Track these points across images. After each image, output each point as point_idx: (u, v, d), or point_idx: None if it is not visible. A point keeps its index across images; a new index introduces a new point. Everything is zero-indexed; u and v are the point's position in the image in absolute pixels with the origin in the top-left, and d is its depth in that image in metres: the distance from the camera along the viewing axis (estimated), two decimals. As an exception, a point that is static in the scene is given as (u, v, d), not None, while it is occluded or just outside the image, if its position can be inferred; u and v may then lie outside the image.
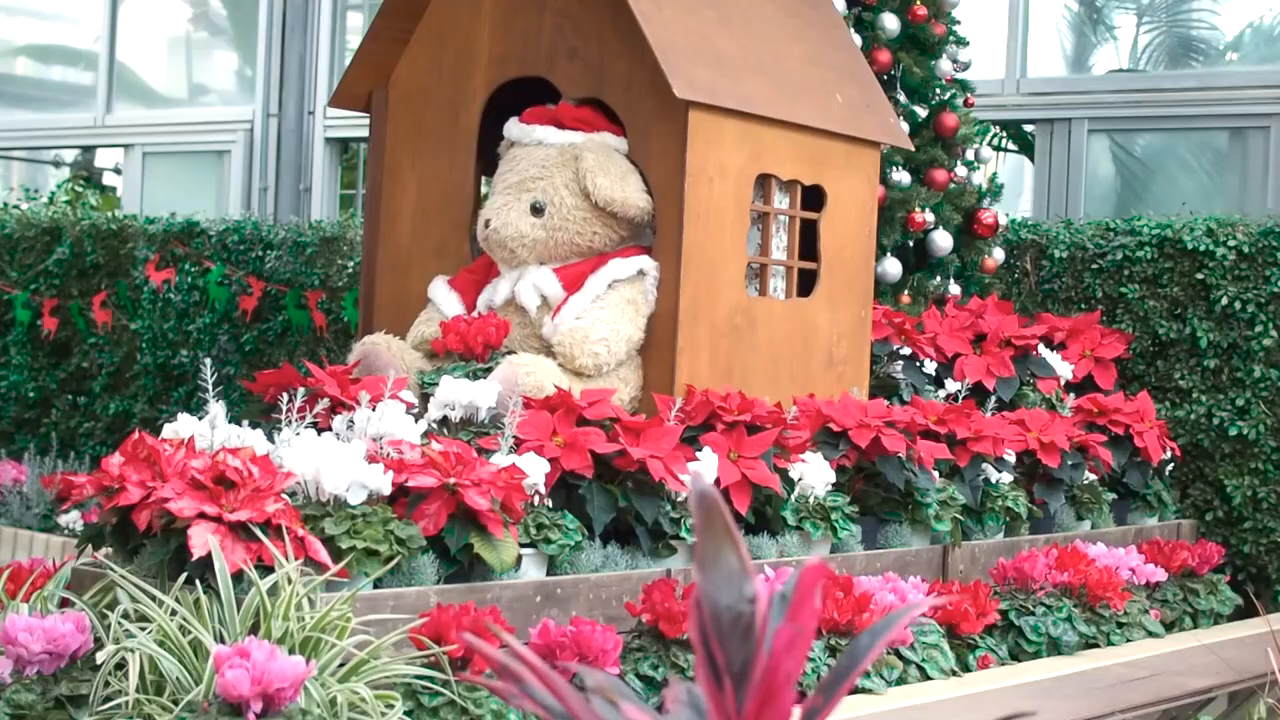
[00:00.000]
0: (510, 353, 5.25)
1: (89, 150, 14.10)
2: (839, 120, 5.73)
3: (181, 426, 4.51)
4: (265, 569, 3.90)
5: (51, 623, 3.83)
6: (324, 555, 3.97)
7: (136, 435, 4.31)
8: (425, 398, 5.06)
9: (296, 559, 3.90)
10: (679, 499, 4.88)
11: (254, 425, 4.76)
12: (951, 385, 6.41)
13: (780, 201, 5.61)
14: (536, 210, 5.29)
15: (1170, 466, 7.05)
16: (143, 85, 12.04)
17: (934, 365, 6.45)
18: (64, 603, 4.14)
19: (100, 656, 3.63)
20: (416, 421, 4.75)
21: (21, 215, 10.61)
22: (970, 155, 7.01)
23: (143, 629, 3.75)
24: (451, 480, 4.23)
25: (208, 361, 4.44)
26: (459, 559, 4.28)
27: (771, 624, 1.92)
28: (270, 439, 4.62)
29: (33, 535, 9.33)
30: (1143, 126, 8.25)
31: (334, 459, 4.13)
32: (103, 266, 10.23)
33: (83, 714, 3.75)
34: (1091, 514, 6.56)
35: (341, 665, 3.80)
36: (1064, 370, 6.88)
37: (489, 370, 5.13)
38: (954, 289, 6.88)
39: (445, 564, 4.29)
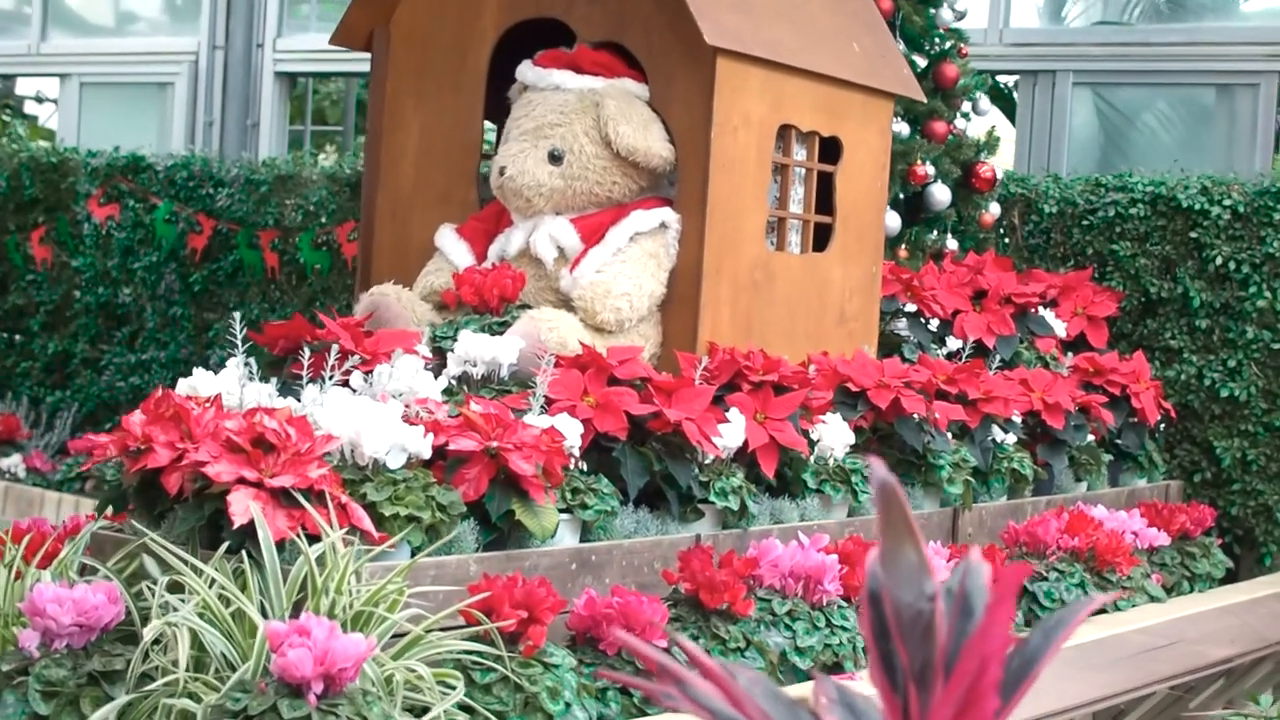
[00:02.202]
0: (525, 306, 5.05)
1: (9, 79, 13.66)
2: (857, 70, 5.56)
3: (198, 382, 4.28)
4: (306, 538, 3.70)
5: (82, 593, 3.61)
6: (367, 523, 3.77)
7: (160, 392, 4.07)
8: (439, 352, 4.85)
9: (340, 527, 3.69)
10: (706, 461, 4.71)
11: (264, 380, 4.53)
12: (953, 343, 6.26)
13: (798, 153, 5.43)
14: (554, 158, 5.08)
15: (1162, 427, 6.97)
16: (80, 13, 11.62)
17: (936, 323, 6.31)
18: (84, 569, 3.91)
19: (146, 633, 3.41)
20: (436, 378, 4.55)
21: (-47, 147, 10.22)
22: (968, 107, 6.85)
23: (181, 601, 3.53)
24: (494, 444, 4.04)
25: (237, 315, 4.19)
26: (499, 526, 4.09)
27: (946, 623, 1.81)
28: (283, 395, 4.40)
29: (-29, 478, 9.02)
30: (1127, 80, 8.13)
31: (374, 421, 3.92)
32: (42, 201, 9.88)
33: (118, 690, 3.53)
34: (1089, 475, 6.46)
35: (393, 640, 3.60)
36: (1059, 329, 6.76)
37: (504, 324, 4.93)
38: (951, 244, 6.74)
39: (484, 531, 4.09)
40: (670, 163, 5.09)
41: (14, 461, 9.14)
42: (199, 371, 4.33)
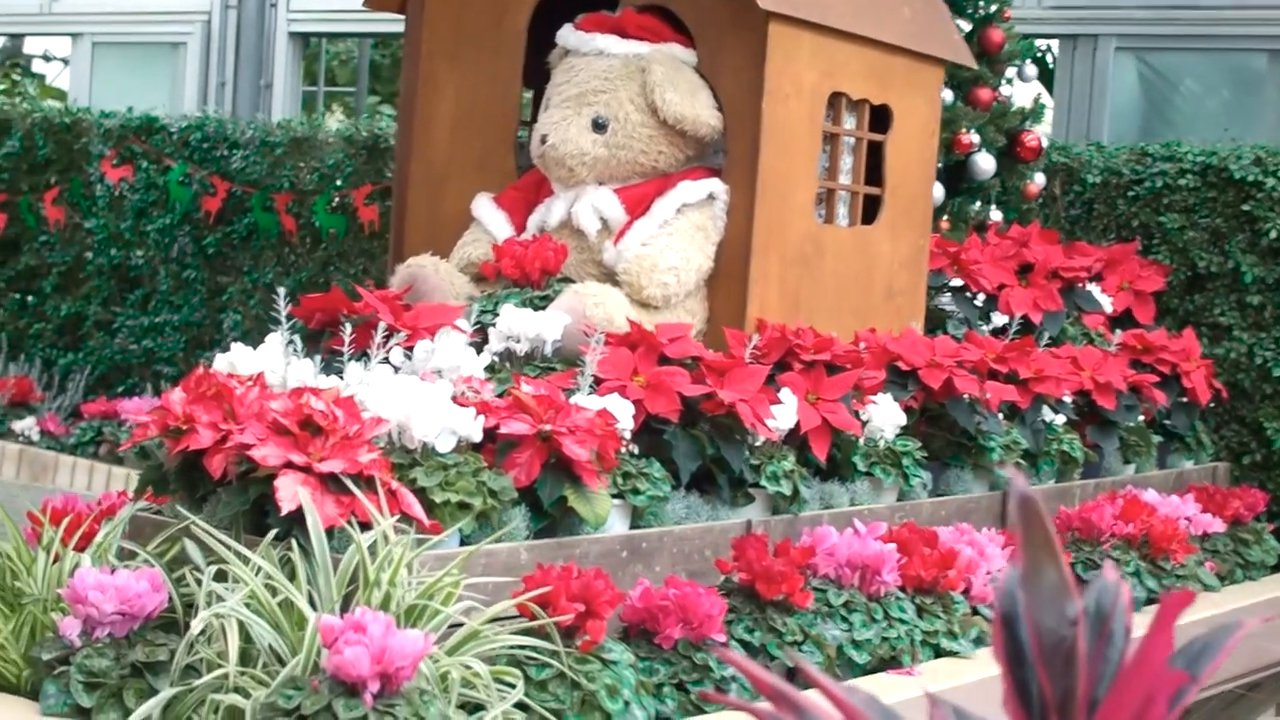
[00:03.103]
0: (566, 280, 4.87)
1: (18, 37, 13.44)
2: (907, 35, 5.37)
3: (237, 359, 4.10)
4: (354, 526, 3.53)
5: (124, 580, 3.44)
6: (418, 510, 3.60)
7: (200, 370, 3.90)
8: (478, 326, 4.67)
9: (391, 514, 3.52)
10: (756, 444, 4.54)
11: (306, 357, 4.34)
12: (998, 319, 6.09)
13: (848, 122, 5.25)
14: (598, 126, 4.89)
15: (1210, 407, 6.79)
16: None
17: (981, 298, 6.13)
18: (122, 553, 3.75)
19: (195, 624, 3.24)
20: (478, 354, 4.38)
21: (-36, 106, 10.02)
22: (1011, 73, 6.66)
23: (227, 590, 3.37)
24: (547, 427, 3.86)
25: (281, 291, 4.01)
26: (550, 512, 3.92)
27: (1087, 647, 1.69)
28: (326, 372, 4.22)
29: (-16, 443, 8.86)
30: (1172, 45, 7.93)
31: (425, 403, 3.75)
32: (55, 161, 9.70)
33: (162, 682, 3.37)
34: (1138, 457, 6.29)
35: (446, 633, 3.43)
36: (1105, 304, 6.59)
37: (545, 298, 4.75)
38: (995, 215, 6.56)
39: (534, 517, 3.93)
40: (718, 132, 4.91)
41: (28, 424, 8.98)
42: (237, 347, 4.15)
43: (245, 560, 3.42)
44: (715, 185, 4.86)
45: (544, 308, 4.68)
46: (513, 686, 3.39)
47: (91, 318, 9.60)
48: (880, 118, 5.38)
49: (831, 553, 4.38)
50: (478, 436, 3.83)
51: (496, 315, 4.69)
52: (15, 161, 9.73)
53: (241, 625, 3.31)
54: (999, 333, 6.05)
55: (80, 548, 3.78)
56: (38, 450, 8.79)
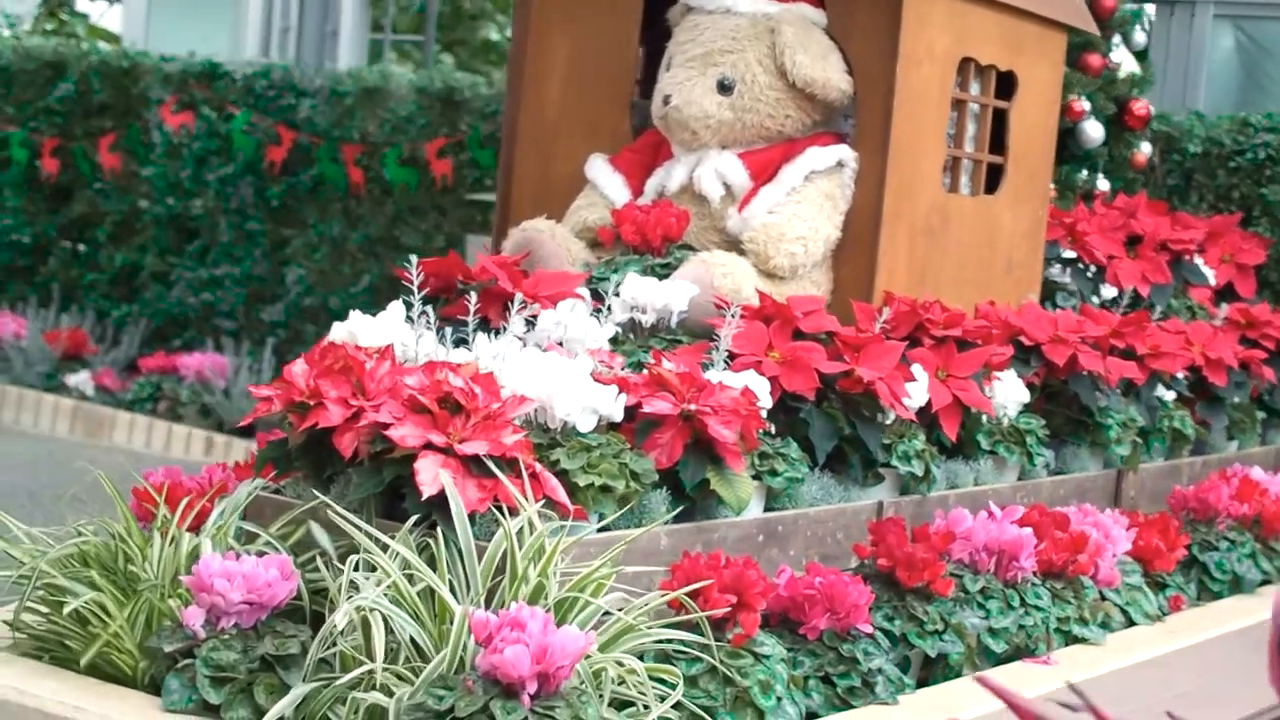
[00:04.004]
0: (686, 247, 4.68)
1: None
2: (1036, 0, 5.16)
3: (356, 328, 3.91)
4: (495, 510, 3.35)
5: (252, 567, 3.26)
6: (562, 495, 3.42)
7: (326, 341, 3.72)
8: (594, 294, 4.46)
9: (535, 500, 3.34)
10: (887, 422, 4.35)
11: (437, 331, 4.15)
12: (1107, 292, 5.89)
13: (974, 88, 5.04)
14: (724, 88, 4.69)
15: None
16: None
17: (1091, 270, 5.93)
18: (245, 537, 3.57)
19: (338, 618, 3.06)
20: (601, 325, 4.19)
21: (19, 46, 9.82)
22: (1119, 39, 6.45)
23: (365, 579, 3.19)
24: (691, 407, 3.68)
25: (413, 258, 3.82)
26: (691, 495, 3.74)
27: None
28: (441, 342, 4.03)
29: (39, 396, 8.71)
30: (1271, 15, 7.69)
31: (567, 380, 3.57)
32: (111, 107, 9.51)
33: (293, 677, 3.20)
34: (1242, 434, 6.10)
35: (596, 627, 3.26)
36: (1209, 277, 6.39)
37: (667, 266, 4.56)
38: (1102, 184, 6.35)
39: (672, 500, 3.75)
40: (849, 96, 4.70)
41: (82, 379, 8.81)
42: (356, 316, 3.96)
43: (383, 547, 3.24)
44: (844, 152, 4.66)
45: (666, 276, 4.49)
46: (665, 684, 3.22)
47: (147, 269, 9.42)
48: (1005, 84, 5.17)
49: (968, 537, 4.20)
50: (619, 416, 3.65)
51: (616, 283, 4.50)
52: (70, 106, 9.53)
53: (386, 618, 3.14)
54: (1108, 305, 5.86)
55: (193, 528, 3.60)
56: (93, 405, 8.63)
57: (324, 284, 8.93)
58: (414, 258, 3.86)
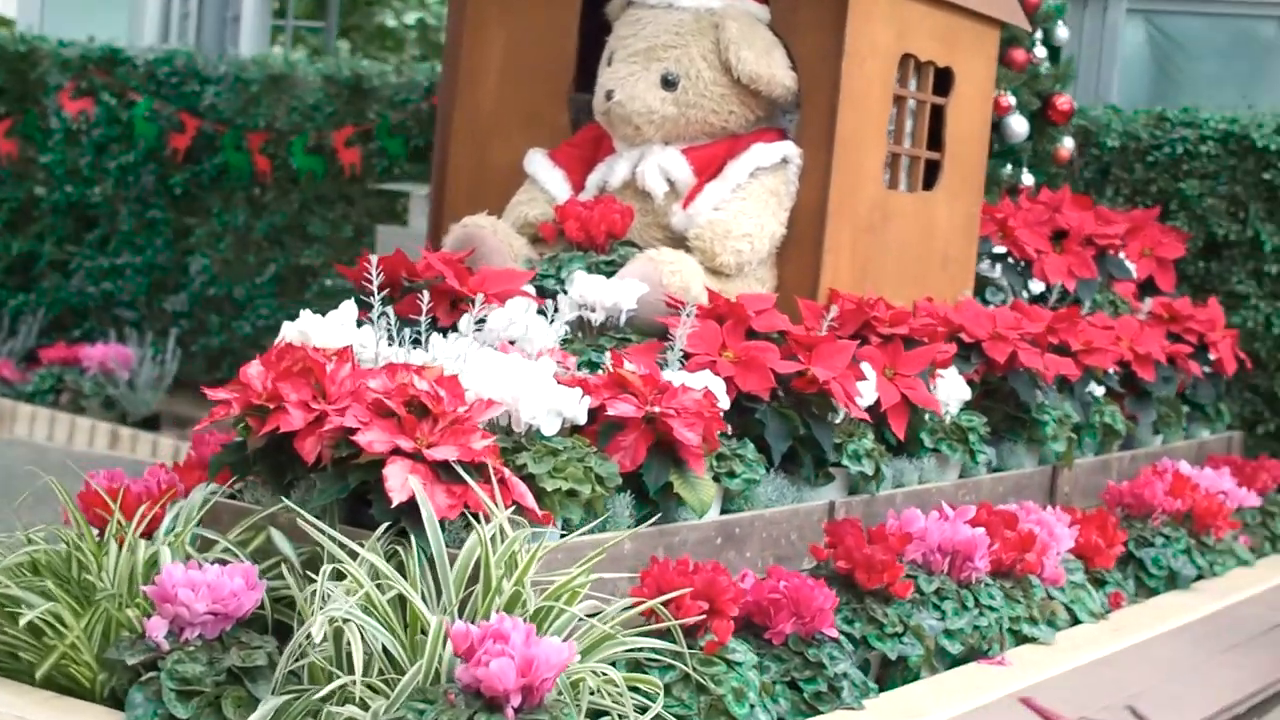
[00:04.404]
0: (629, 244, 4.63)
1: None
2: (973, -5, 5.16)
3: (308, 327, 3.82)
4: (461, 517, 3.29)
5: (217, 577, 3.18)
6: (530, 500, 3.36)
7: (280, 341, 3.63)
8: (539, 291, 4.40)
9: (505, 505, 3.28)
10: (837, 420, 4.33)
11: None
12: (1034, 286, 5.91)
13: (913, 84, 5.02)
14: (668, 83, 4.64)
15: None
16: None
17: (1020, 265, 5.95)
18: (201, 543, 3.47)
19: (314, 630, 2.98)
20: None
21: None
22: (1041, 35, 6.47)
23: (335, 588, 3.11)
24: (656, 409, 3.63)
25: (373, 259, 3.74)
26: (654, 499, 3.70)
27: None
28: (399, 344, 3.94)
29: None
30: (1182, 10, 7.76)
31: (532, 383, 3.50)
32: (7, 92, 9.29)
33: (261, 689, 3.12)
34: (1167, 428, 6.16)
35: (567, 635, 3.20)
36: (1132, 271, 6.43)
37: (611, 264, 4.50)
38: (1027, 179, 6.37)
39: (636, 504, 3.70)
40: (793, 92, 4.67)
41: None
42: (307, 315, 3.87)
43: (351, 554, 3.17)
44: (789, 149, 4.63)
45: (610, 273, 4.44)
46: (640, 693, 3.17)
47: (46, 257, 9.21)
48: (941, 81, 5.16)
49: (923, 537, 4.19)
50: (583, 419, 3.60)
51: (559, 280, 4.44)
52: (-37, 92, 9.31)
53: (353, 628, 3.06)
54: (1037, 300, 5.88)
55: (146, 533, 3.50)
56: (-7, 397, 8.42)
57: (228, 273, 8.79)
58: (373, 258, 3.77)
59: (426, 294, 3.91)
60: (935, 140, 5.19)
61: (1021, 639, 4.34)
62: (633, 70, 4.65)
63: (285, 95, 8.54)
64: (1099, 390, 5.64)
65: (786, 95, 4.68)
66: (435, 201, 5.08)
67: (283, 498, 3.37)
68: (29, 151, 9.15)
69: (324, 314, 3.84)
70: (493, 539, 3.18)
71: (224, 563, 3.33)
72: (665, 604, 3.33)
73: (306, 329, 3.82)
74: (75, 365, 8.47)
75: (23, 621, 3.20)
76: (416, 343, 3.85)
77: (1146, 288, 6.60)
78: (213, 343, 8.83)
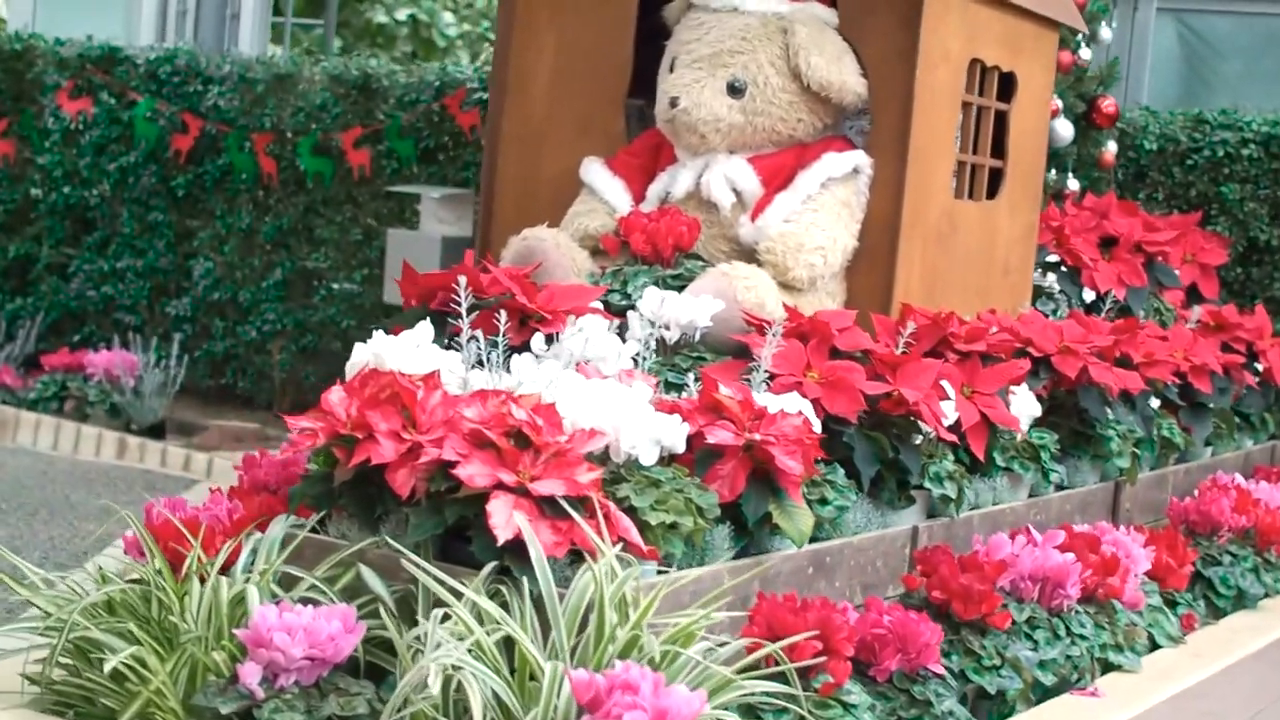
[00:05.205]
0: (694, 257, 4.47)
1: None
2: (1036, -1, 5.02)
3: (382, 348, 3.64)
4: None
5: (313, 620, 3.00)
6: (635, 535, 3.20)
7: (365, 367, 3.46)
8: (604, 308, 4.23)
9: (613, 542, 3.12)
10: (917, 441, 4.17)
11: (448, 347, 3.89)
12: (1087, 296, 5.77)
13: (977, 90, 4.87)
14: (735, 90, 4.48)
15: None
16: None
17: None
18: (283, 579, 3.29)
19: (432, 679, 2.80)
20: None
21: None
22: (1084, 36, 6.32)
23: (449, 635, 2.94)
24: (755, 436, 3.47)
25: (462, 280, 3.56)
26: (750, 529, 3.54)
27: None
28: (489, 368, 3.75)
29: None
30: (1213, 9, 7.63)
31: (634, 410, 3.34)
32: (2, 92, 9.06)
33: (366, 739, 2.95)
34: (1219, 440, 6.02)
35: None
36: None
37: (677, 277, 4.34)
38: (1072, 184, 6.22)
39: (733, 536, 3.54)
40: (863, 99, 4.52)
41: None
42: (380, 336, 3.69)
43: (453, 593, 3.00)
44: (860, 158, 4.48)
45: (677, 288, 4.28)
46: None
47: (43, 260, 8.99)
48: (1003, 85, 5.02)
49: (1014, 564, 4.04)
50: (682, 447, 3.43)
51: (625, 295, 4.28)
52: (-44, 91, 9.07)
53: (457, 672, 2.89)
54: (1089, 309, 5.74)
55: (222, 569, 3.31)
56: (-6, 405, 8.20)
57: (233, 277, 8.59)
58: (462, 279, 3.59)
59: (504, 313, 3.73)
60: (995, 147, 5.04)
61: (1107, 666, 4.20)
62: (698, 77, 4.49)
63: (291, 95, 8.34)
64: (1154, 403, 5.50)
65: (857, 102, 4.52)
66: (484, 212, 4.91)
67: (373, 533, 3.20)
68: (25, 152, 8.93)
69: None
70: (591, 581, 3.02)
71: (312, 602, 3.16)
72: (777, 642, 3.17)
73: (381, 350, 3.64)
74: (79, 372, 8.25)
75: (108, 667, 3.02)
76: (482, 364, 3.67)
77: (1189, 295, 6.47)
78: (217, 348, 8.63)
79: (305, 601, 3.15)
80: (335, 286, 8.37)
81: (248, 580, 3.23)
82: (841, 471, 3.87)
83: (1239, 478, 5.66)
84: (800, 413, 3.62)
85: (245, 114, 8.44)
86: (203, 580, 3.22)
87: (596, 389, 3.37)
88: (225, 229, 8.56)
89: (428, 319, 3.75)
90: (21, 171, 8.97)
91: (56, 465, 7.38)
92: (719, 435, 3.46)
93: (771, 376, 3.89)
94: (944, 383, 4.25)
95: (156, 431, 8.09)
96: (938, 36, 4.49)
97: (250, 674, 2.99)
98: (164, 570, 3.27)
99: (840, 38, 4.53)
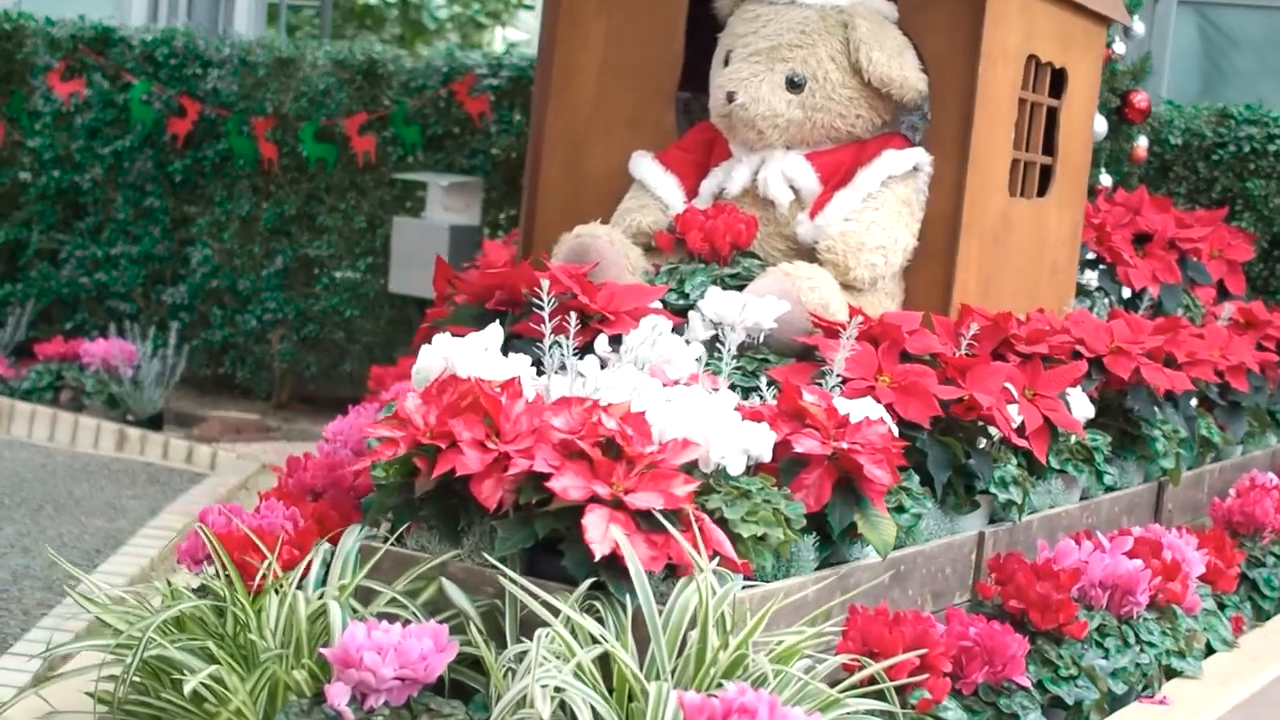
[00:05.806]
0: (750, 255, 4.37)
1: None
2: (1088, -7, 4.93)
3: (451, 352, 3.53)
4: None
5: (403, 638, 2.90)
6: (729, 549, 3.10)
7: (446, 374, 3.35)
8: (665, 307, 4.12)
9: (709, 556, 3.02)
10: (982, 445, 4.09)
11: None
12: (1126, 293, 5.69)
13: (1031, 86, 4.79)
14: (794, 85, 4.38)
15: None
16: None
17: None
18: (360, 593, 3.19)
19: (540, 702, 2.70)
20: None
21: (-115, 6, 9.12)
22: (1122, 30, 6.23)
23: (546, 655, 2.84)
24: (842, 445, 3.37)
25: (545, 283, 3.45)
26: (835, 540, 3.44)
27: None
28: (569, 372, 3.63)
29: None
30: (1234, 2, 7.56)
31: (723, 419, 3.24)
32: (-8, 73, 8.88)
33: (459, 762, 2.84)
34: (1251, 439, 5.96)
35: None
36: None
37: (735, 276, 4.25)
38: (1105, 180, 6.14)
39: (820, 547, 3.44)
40: (924, 96, 4.42)
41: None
42: (445, 338, 3.57)
43: (553, 610, 2.90)
44: (920, 156, 4.38)
45: (735, 287, 4.18)
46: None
47: (34, 245, 8.82)
48: (1055, 81, 4.93)
49: (1084, 571, 3.97)
50: (769, 456, 3.34)
51: (682, 295, 4.18)
52: (-56, 71, 8.89)
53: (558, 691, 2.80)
54: (1127, 307, 5.67)
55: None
56: (-14, 396, 8.04)
57: (231, 265, 8.44)
58: (545, 283, 3.47)
59: (574, 315, 3.62)
60: (1044, 144, 4.96)
61: (1170, 673, 4.14)
62: (755, 71, 4.38)
63: (293, 79, 8.20)
64: (1193, 402, 5.43)
65: (917, 99, 4.43)
66: (528, 208, 4.79)
67: (455, 546, 3.09)
68: (15, 135, 8.75)
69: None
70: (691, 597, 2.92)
71: (392, 617, 3.06)
72: (873, 657, 3.08)
73: (451, 354, 3.53)
74: (74, 361, 8.09)
75: (188, 688, 2.91)
76: (538, 364, 3.55)
77: (1218, 291, 6.40)
78: (215, 337, 8.49)
79: (384, 617, 3.05)
80: (338, 275, 8.24)
81: (322, 595, 3.12)
82: (917, 479, 3.78)
83: (1274, 476, 5.60)
84: (883, 420, 3.53)
85: (245, 98, 8.30)
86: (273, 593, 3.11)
87: (685, 397, 3.27)
88: (224, 215, 8.42)
89: (497, 321, 3.64)
90: (11, 155, 8.79)
91: (55, 458, 7.22)
92: (806, 444, 3.36)
93: (843, 380, 3.80)
94: (1008, 385, 4.17)
95: (154, 423, 7.94)
96: (998, 32, 4.40)
97: (338, 695, 2.88)
98: (237, 583, 3.16)
99: (900, 33, 4.43)
